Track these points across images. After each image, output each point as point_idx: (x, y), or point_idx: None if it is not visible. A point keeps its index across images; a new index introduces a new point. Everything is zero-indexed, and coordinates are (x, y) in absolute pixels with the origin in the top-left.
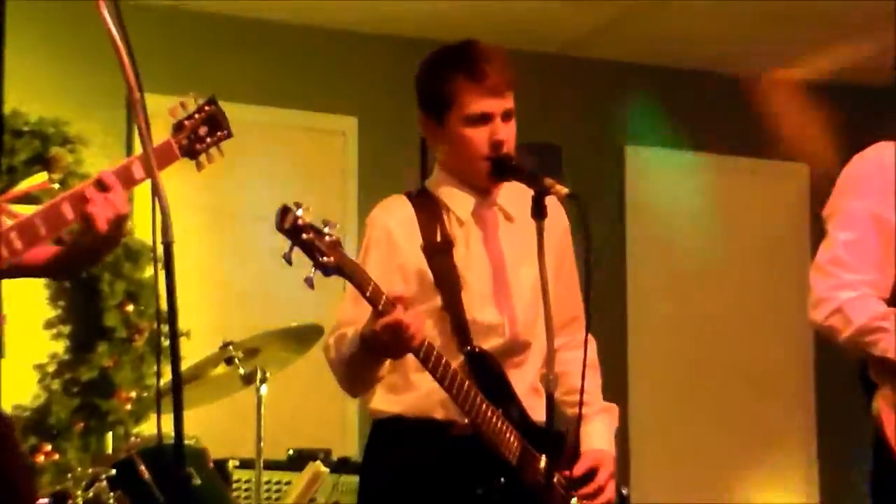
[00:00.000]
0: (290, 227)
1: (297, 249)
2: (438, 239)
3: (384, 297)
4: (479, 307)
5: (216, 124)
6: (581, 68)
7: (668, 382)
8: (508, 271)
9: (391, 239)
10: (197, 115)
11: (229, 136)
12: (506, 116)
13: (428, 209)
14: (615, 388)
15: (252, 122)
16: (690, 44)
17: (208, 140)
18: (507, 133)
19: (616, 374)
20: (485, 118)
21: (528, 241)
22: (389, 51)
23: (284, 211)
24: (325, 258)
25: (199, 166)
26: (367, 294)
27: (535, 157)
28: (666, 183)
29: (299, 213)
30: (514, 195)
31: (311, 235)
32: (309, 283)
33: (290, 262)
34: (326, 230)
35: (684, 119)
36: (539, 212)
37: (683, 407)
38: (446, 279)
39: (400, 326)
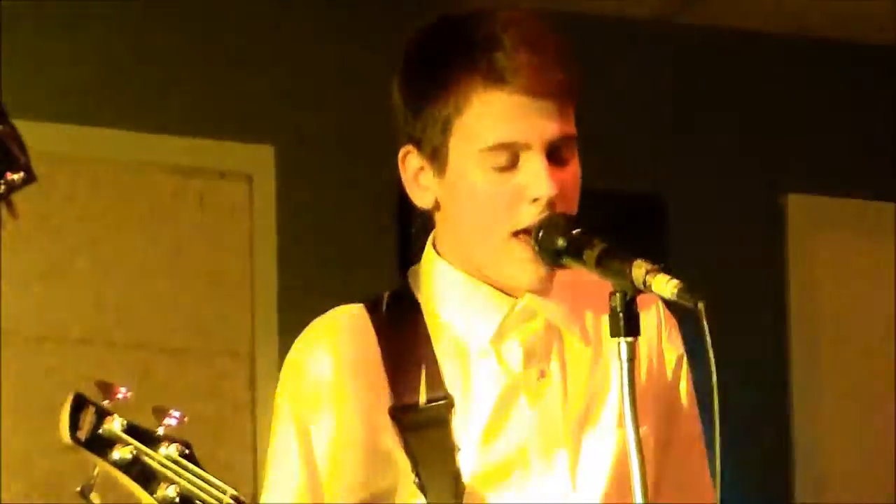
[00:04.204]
0: (91, 437)
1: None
2: (423, 396)
3: None
4: None
5: (6, 158)
6: (710, 63)
7: None
8: (561, 448)
9: (330, 406)
10: None
11: (29, 180)
12: (557, 151)
13: (406, 334)
14: None
15: (86, 157)
16: None
17: None
18: (562, 182)
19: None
20: (516, 155)
21: (607, 383)
22: (333, 34)
23: (76, 404)
24: (163, 486)
25: None
26: None
27: (622, 215)
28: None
29: (108, 402)
30: (577, 291)
31: (132, 447)
32: None
33: (90, 501)
34: (161, 430)
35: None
36: (625, 327)
37: None
38: (437, 473)
39: None
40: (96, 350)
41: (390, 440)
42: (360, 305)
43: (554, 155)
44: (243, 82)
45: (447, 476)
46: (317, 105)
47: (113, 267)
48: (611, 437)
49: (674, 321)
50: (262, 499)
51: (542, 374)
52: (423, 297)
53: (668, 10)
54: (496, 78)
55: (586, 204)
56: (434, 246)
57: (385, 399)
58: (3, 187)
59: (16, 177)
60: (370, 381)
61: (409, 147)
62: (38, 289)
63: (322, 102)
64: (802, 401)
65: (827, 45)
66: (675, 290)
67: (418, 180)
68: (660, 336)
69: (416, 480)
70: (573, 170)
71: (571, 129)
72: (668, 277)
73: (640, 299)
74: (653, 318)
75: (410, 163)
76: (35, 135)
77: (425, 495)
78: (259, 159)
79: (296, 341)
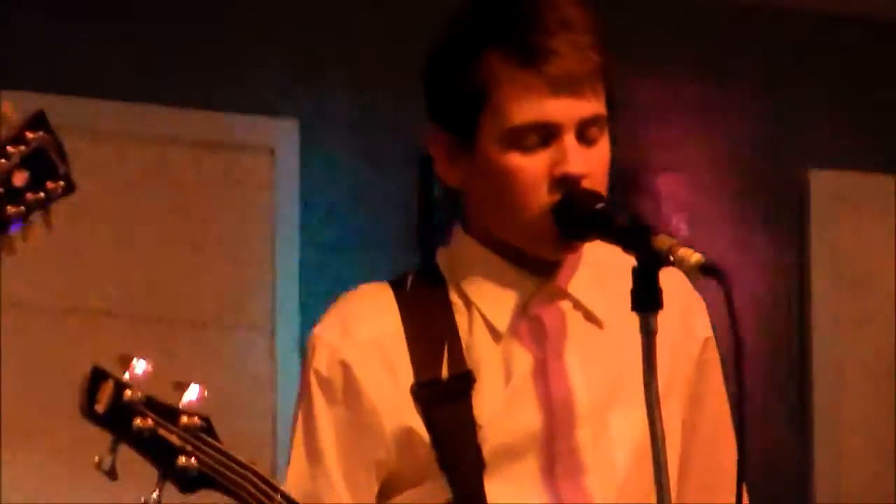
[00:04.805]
0: (109, 411)
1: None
2: (445, 372)
3: None
4: (521, 500)
5: (46, 167)
6: (729, 39)
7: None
8: (583, 427)
9: (351, 385)
10: (12, 150)
11: (69, 190)
12: (587, 130)
13: (429, 312)
14: None
15: (110, 131)
16: None
17: (29, 197)
18: (591, 161)
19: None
20: (546, 134)
21: (631, 362)
22: (358, 8)
23: (95, 377)
24: (182, 459)
25: (10, 249)
26: None
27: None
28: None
29: (128, 375)
30: (602, 271)
31: (151, 420)
32: None
33: (112, 474)
34: (182, 405)
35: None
36: (647, 300)
37: None
38: (458, 449)
39: None
40: (118, 323)
41: (411, 418)
42: (386, 283)
43: (583, 134)
44: (267, 56)
45: (468, 452)
46: (340, 79)
47: (136, 240)
48: (636, 417)
49: (702, 303)
50: (288, 473)
51: (566, 353)
52: (450, 275)
53: None
54: (530, 58)
55: (613, 180)
56: (463, 224)
57: (407, 376)
58: (42, 196)
59: (56, 186)
60: (392, 359)
61: (438, 124)
62: (61, 261)
63: (346, 76)
64: (823, 378)
65: (852, 21)
66: (699, 264)
67: (446, 158)
68: (688, 318)
69: (437, 456)
70: (602, 149)
71: (602, 109)
72: (691, 251)
73: (667, 279)
74: (680, 299)
75: (439, 141)
76: (59, 109)
77: (446, 472)
78: (282, 133)
79: (321, 317)
